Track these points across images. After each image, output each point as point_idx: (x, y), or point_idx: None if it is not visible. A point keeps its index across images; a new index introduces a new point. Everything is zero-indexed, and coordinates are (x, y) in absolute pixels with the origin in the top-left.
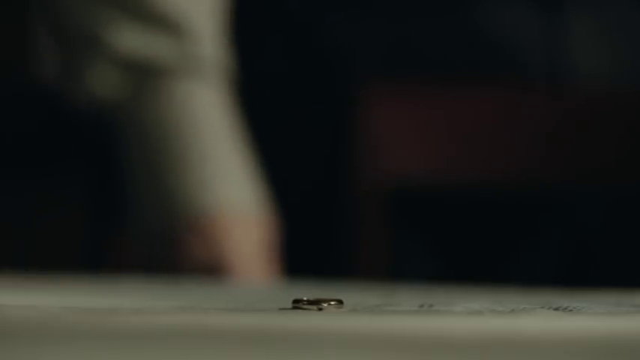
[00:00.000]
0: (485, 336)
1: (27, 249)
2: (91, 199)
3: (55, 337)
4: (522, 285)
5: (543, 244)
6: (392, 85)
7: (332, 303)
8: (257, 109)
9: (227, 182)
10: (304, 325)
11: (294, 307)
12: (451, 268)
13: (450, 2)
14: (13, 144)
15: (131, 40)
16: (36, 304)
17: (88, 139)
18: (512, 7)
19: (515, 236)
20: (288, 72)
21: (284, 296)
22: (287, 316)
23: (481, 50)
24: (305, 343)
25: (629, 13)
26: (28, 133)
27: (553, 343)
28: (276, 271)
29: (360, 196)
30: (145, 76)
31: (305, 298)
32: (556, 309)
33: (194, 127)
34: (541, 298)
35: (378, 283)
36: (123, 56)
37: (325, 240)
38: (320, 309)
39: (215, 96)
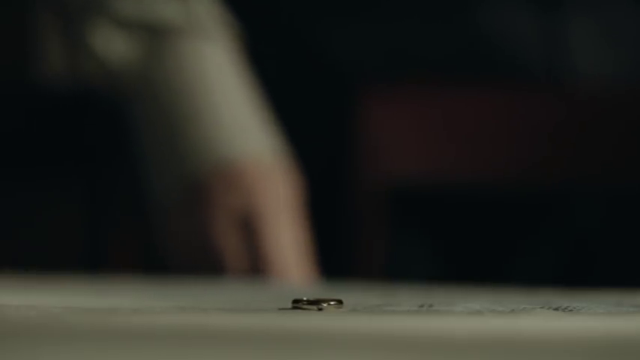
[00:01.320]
0: (485, 336)
1: (27, 249)
2: (91, 199)
3: (55, 337)
4: (522, 285)
5: (543, 244)
6: (392, 86)
7: (332, 303)
8: None
9: (247, 134)
10: (304, 325)
11: (294, 307)
12: (451, 268)
13: (450, 3)
14: (13, 144)
15: (134, 2)
16: (36, 304)
17: (89, 139)
18: (511, 7)
19: (515, 236)
20: (287, 73)
21: (284, 296)
22: (287, 316)
23: (481, 50)
24: (305, 343)
25: (628, 13)
26: (27, 133)
27: (553, 343)
28: (303, 230)
29: (360, 196)
30: (152, 37)
31: (305, 298)
32: (556, 309)
33: (206, 82)
34: (541, 298)
35: (378, 283)
36: (127, 19)
37: (325, 240)
38: (320, 309)
39: (225, 55)
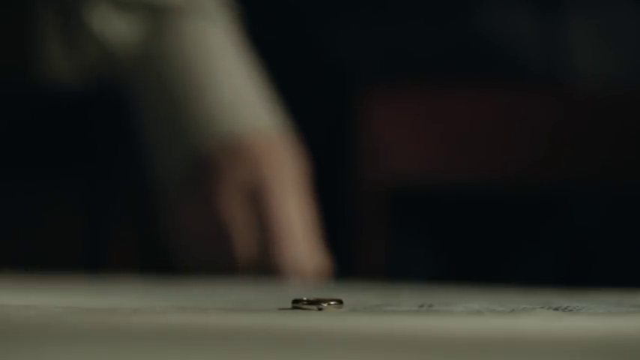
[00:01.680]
0: (485, 336)
1: (27, 249)
2: (92, 199)
3: (55, 337)
4: (522, 285)
5: (543, 244)
6: (392, 86)
7: (332, 303)
8: None
9: (251, 109)
10: (304, 325)
11: (294, 307)
12: (451, 268)
13: (450, 4)
14: (13, 144)
15: None
16: (36, 304)
17: (89, 138)
18: (511, 7)
19: (515, 236)
20: (288, 74)
21: (284, 296)
22: (287, 316)
23: (480, 51)
24: (305, 343)
25: (628, 13)
26: (27, 132)
27: (553, 343)
28: (310, 207)
29: (360, 196)
30: (152, 17)
31: (305, 298)
32: (556, 309)
33: (207, 60)
34: (541, 298)
35: (378, 283)
36: None
37: (325, 240)
38: (320, 309)
39: (225, 34)
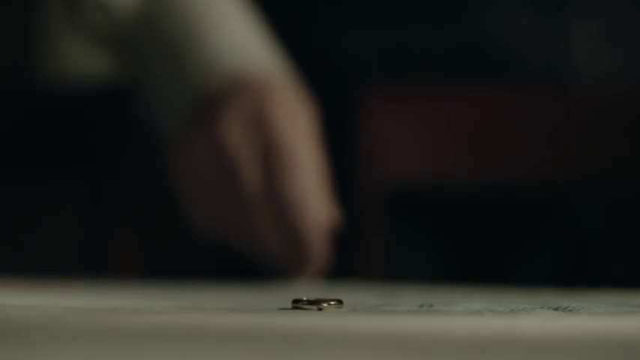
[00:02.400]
0: (485, 336)
1: (27, 250)
2: (92, 199)
3: (55, 337)
4: (522, 285)
5: (543, 244)
6: (392, 86)
7: (332, 303)
8: None
9: (255, 50)
10: (304, 325)
11: (294, 307)
12: (451, 268)
13: (450, 4)
14: (13, 145)
15: None
16: (36, 304)
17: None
18: (511, 8)
19: (515, 236)
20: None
21: (284, 296)
22: (287, 316)
23: (481, 51)
24: (305, 343)
25: (628, 14)
26: (29, 134)
27: (553, 343)
28: (321, 158)
29: (360, 196)
30: None
31: (305, 298)
32: (556, 309)
33: (208, 4)
34: (541, 298)
35: (378, 283)
36: None
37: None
38: (320, 309)
39: None
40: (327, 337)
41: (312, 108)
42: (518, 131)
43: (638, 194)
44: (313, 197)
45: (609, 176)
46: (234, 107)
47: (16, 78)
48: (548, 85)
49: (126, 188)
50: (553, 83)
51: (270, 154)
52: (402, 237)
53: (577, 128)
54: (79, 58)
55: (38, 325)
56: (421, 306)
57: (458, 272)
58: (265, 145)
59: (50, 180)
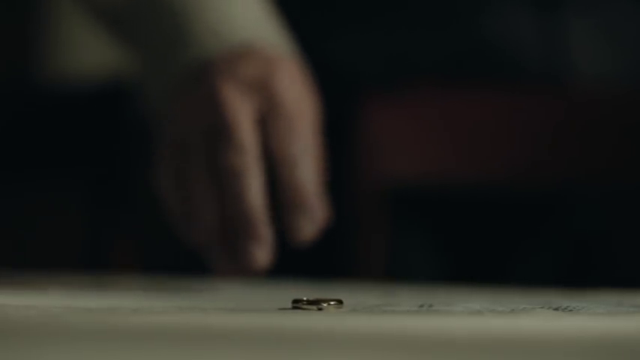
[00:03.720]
0: (485, 336)
1: (27, 250)
2: (93, 200)
3: (55, 337)
4: (522, 285)
5: (543, 244)
6: (392, 87)
7: (332, 303)
8: None
9: (261, 24)
10: (304, 325)
11: (294, 307)
12: (451, 268)
13: (449, 7)
14: (14, 145)
15: None
16: (36, 304)
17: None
18: (511, 8)
19: (515, 236)
20: None
21: (284, 296)
22: (287, 316)
23: (480, 52)
24: (305, 343)
25: (628, 13)
26: (27, 134)
27: (553, 343)
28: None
29: (360, 196)
30: None
31: (305, 298)
32: (556, 309)
33: None
34: (541, 298)
35: (378, 283)
36: None
37: (325, 240)
38: (320, 309)
39: None
40: (327, 337)
41: (313, 85)
42: (518, 131)
43: (637, 194)
44: (311, 157)
45: (609, 176)
46: (235, 72)
47: (16, 78)
48: (547, 85)
49: (126, 188)
50: (552, 83)
51: (270, 115)
52: (402, 237)
53: (577, 128)
54: (80, 57)
55: (38, 325)
56: (421, 306)
57: (458, 272)
58: (266, 107)
59: (50, 180)
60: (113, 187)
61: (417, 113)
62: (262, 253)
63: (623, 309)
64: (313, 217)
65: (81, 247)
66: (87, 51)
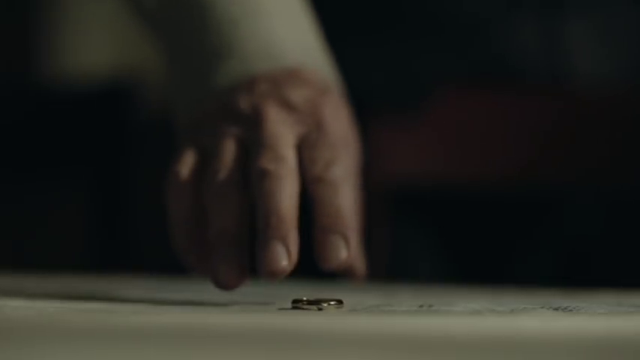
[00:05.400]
0: (485, 336)
1: (28, 249)
2: (93, 200)
3: (55, 337)
4: (522, 285)
5: (543, 244)
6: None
7: (332, 303)
8: None
9: (308, 48)
10: (304, 325)
11: (294, 307)
12: (451, 268)
13: (451, 6)
14: (14, 145)
15: None
16: (36, 304)
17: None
18: (511, 9)
19: (514, 236)
20: None
21: (284, 296)
22: (287, 316)
23: (481, 52)
24: (305, 343)
25: (628, 13)
26: (27, 134)
27: (553, 343)
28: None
29: (361, 196)
30: None
31: (305, 298)
32: (556, 309)
33: None
34: (541, 298)
35: (378, 283)
36: None
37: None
38: (320, 309)
39: None
40: (327, 337)
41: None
42: (518, 131)
43: (637, 194)
44: (351, 186)
45: (609, 176)
46: (281, 94)
47: (16, 78)
48: (547, 85)
49: (126, 188)
50: (552, 84)
51: (314, 142)
52: (403, 237)
53: (577, 128)
54: (80, 57)
55: (38, 325)
56: (421, 306)
57: (458, 272)
58: (308, 133)
59: (49, 180)
60: (113, 187)
61: (416, 113)
62: (285, 257)
63: (623, 309)
64: (348, 244)
65: (82, 246)
66: (87, 51)
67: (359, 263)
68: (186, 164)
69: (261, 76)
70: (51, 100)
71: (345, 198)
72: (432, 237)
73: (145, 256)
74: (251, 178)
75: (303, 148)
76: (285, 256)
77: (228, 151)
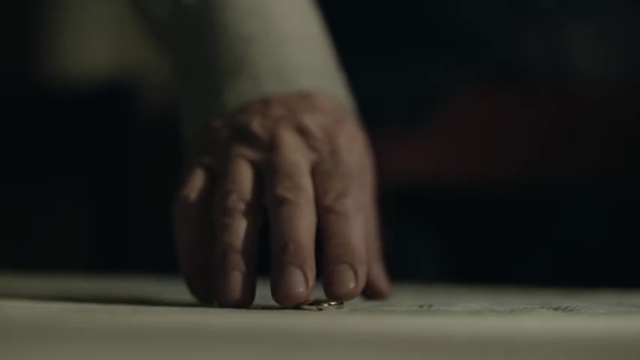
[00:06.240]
0: (485, 336)
1: (28, 249)
2: (93, 200)
3: (55, 337)
4: (522, 285)
5: (543, 244)
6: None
7: (332, 303)
8: None
9: (322, 72)
10: (304, 325)
11: (294, 307)
12: (451, 267)
13: (451, 6)
14: (14, 145)
15: None
16: (36, 304)
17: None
18: (511, 9)
19: (515, 236)
20: None
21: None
22: (287, 316)
23: (486, 60)
24: (305, 343)
25: (629, 14)
26: (27, 134)
27: (553, 343)
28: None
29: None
30: None
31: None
32: (556, 309)
33: (273, 6)
34: (541, 298)
35: None
36: None
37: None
38: (320, 309)
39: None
40: (327, 337)
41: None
42: (519, 131)
43: (637, 194)
44: (364, 217)
45: (609, 176)
46: (294, 118)
47: (16, 78)
48: (548, 86)
49: (127, 187)
50: (553, 84)
51: (328, 170)
52: (403, 237)
53: (577, 128)
54: (80, 57)
55: (38, 325)
56: (421, 306)
57: (458, 272)
58: (321, 160)
59: (51, 180)
60: (113, 187)
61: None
62: (303, 284)
63: (623, 309)
64: (357, 275)
65: (82, 246)
66: (87, 51)
67: (383, 284)
68: (195, 188)
69: (275, 99)
70: (51, 100)
71: (356, 229)
72: (433, 237)
73: (145, 256)
74: (266, 203)
75: (317, 177)
76: (302, 282)
77: (240, 172)
